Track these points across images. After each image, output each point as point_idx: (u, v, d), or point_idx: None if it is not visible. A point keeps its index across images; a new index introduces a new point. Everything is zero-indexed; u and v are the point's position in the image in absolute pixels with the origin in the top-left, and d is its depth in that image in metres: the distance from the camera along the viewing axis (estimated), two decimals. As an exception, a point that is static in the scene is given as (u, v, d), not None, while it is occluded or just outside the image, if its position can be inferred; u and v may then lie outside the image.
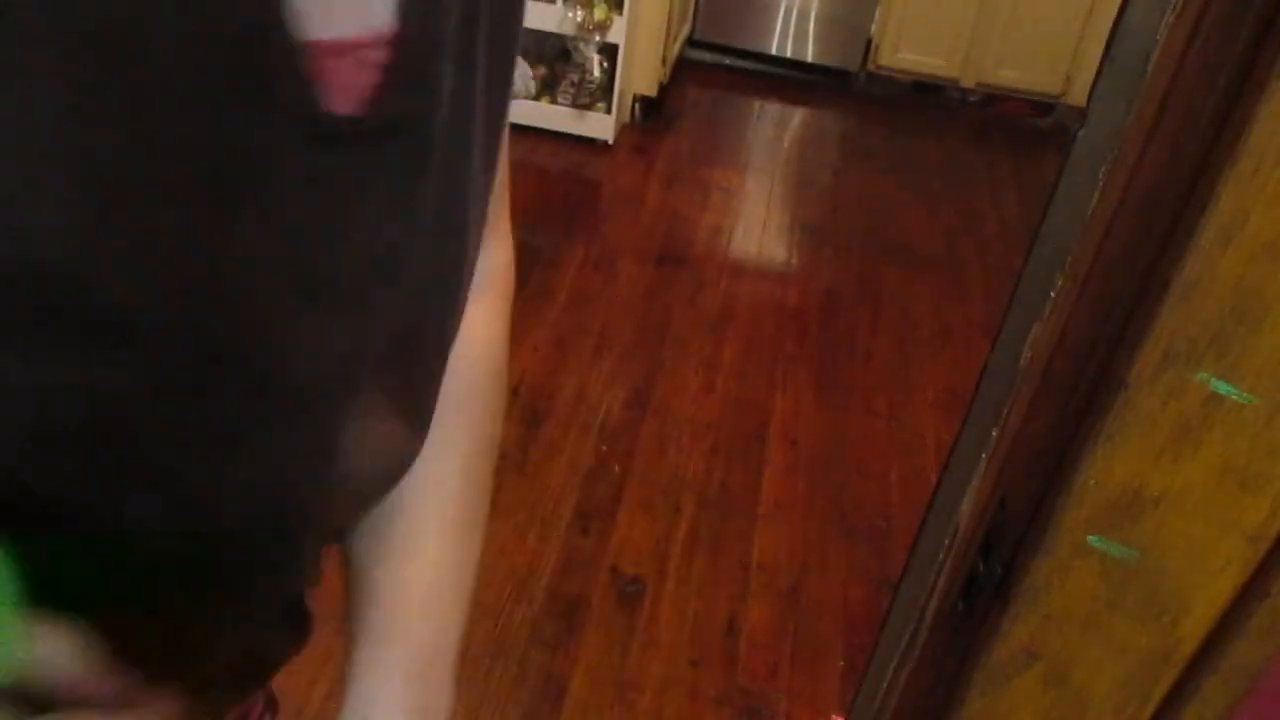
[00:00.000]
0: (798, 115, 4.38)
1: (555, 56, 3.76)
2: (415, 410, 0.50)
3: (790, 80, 4.60)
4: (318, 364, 0.38)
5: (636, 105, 3.94)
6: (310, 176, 0.34)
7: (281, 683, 1.75)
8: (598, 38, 3.50)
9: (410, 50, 0.36)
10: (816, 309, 3.04)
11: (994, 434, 0.88)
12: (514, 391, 2.50)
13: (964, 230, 3.60)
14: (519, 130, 3.72)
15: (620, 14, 3.50)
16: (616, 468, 2.32)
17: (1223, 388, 0.56)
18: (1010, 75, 4.40)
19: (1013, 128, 4.48)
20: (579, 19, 3.46)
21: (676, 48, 4.22)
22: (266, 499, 0.40)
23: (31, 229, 0.27)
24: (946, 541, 0.98)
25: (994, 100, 4.56)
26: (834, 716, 1.84)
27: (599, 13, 3.45)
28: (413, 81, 0.37)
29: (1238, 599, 0.63)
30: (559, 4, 3.48)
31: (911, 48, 4.43)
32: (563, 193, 3.47)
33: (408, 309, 0.43)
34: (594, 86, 3.68)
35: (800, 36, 4.50)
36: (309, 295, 0.36)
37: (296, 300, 0.36)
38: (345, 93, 0.35)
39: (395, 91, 0.36)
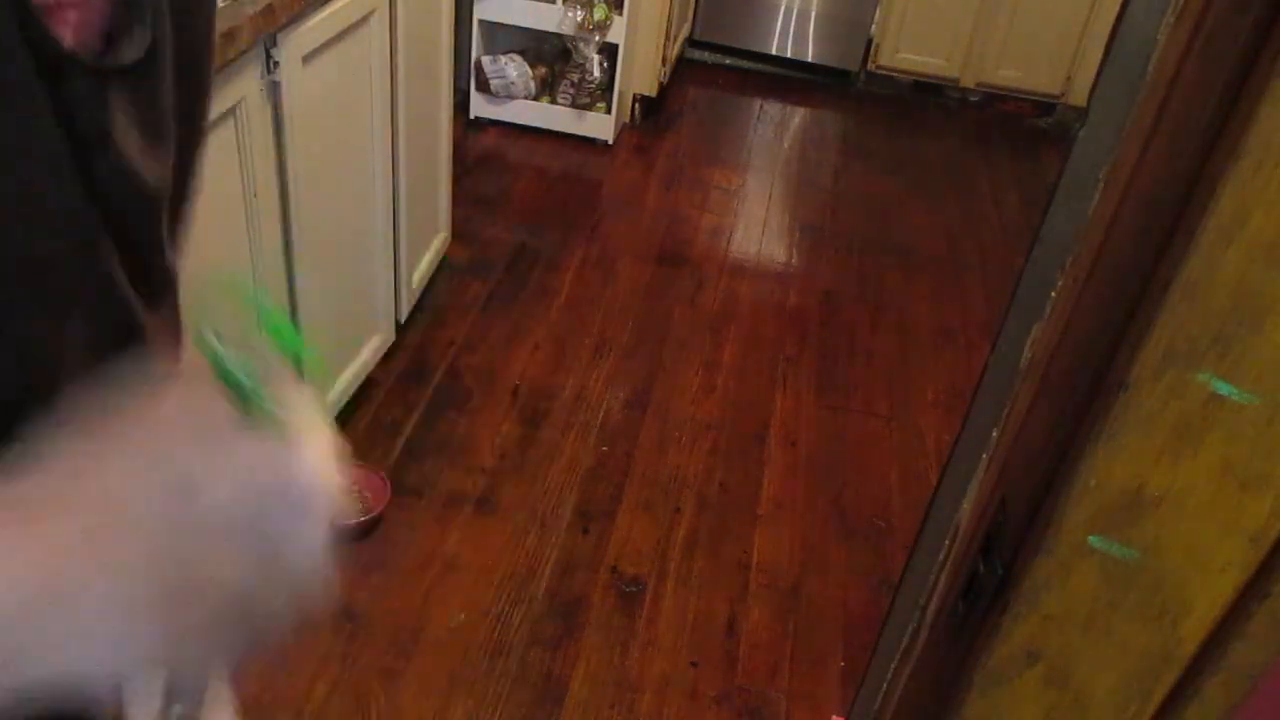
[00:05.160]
0: (798, 115, 4.38)
1: (555, 56, 3.76)
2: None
3: (790, 80, 4.60)
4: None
5: (636, 105, 3.94)
6: (58, 108, 0.40)
7: (281, 683, 1.76)
8: (598, 38, 3.50)
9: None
10: (816, 309, 3.04)
11: (994, 434, 0.88)
12: (514, 392, 2.50)
13: (964, 230, 3.60)
14: (519, 130, 3.72)
15: (620, 14, 3.50)
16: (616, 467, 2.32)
17: (1223, 388, 0.56)
18: (1010, 75, 4.40)
19: (1013, 128, 4.48)
20: (579, 19, 3.46)
21: (676, 48, 4.22)
22: None
23: None
24: (946, 541, 0.98)
25: (994, 100, 4.56)
26: (834, 717, 1.84)
27: (599, 13, 3.45)
28: (132, 22, 0.45)
29: (1239, 599, 0.63)
30: (559, 4, 3.48)
31: (911, 48, 4.43)
32: (563, 193, 3.47)
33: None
34: (594, 86, 3.68)
35: (800, 36, 4.50)
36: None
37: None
38: (84, 32, 0.42)
39: (121, 32, 0.44)
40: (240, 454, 0.39)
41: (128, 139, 0.45)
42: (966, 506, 0.94)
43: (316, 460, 0.41)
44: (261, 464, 0.39)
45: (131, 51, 0.44)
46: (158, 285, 0.51)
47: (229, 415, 0.39)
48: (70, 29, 0.41)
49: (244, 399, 0.39)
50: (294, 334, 0.39)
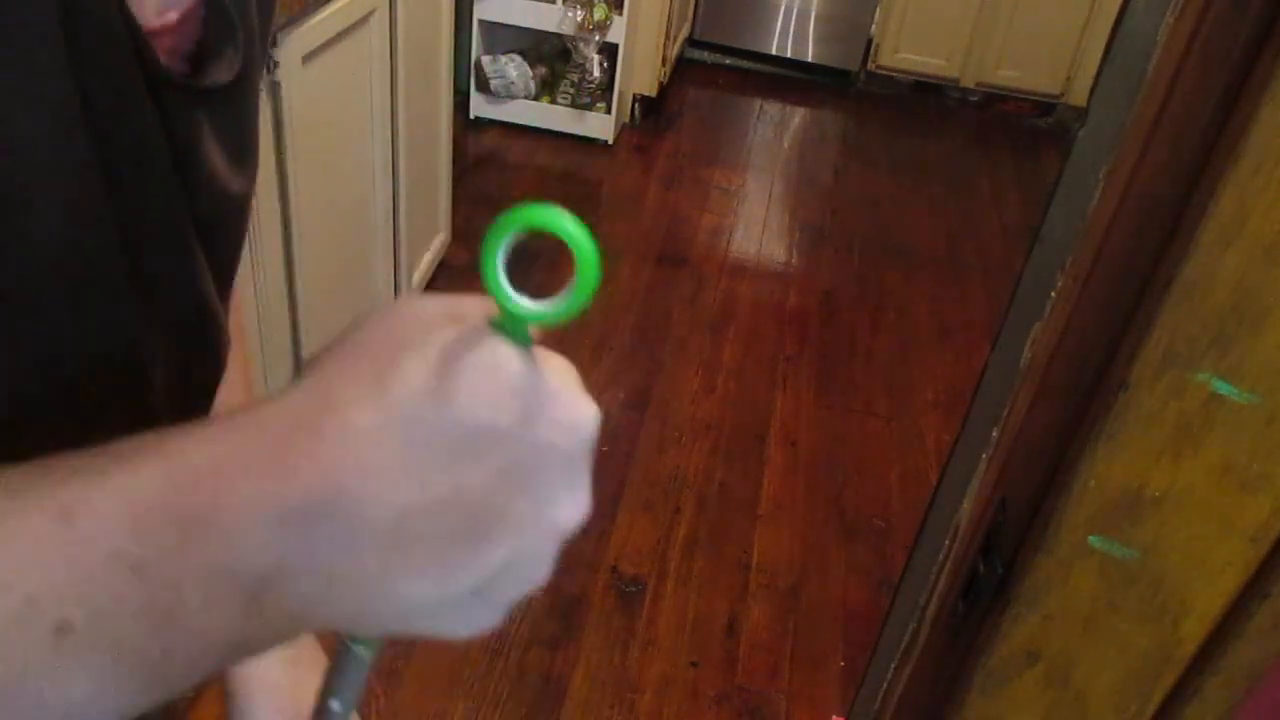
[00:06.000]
0: (798, 115, 4.38)
1: (555, 56, 3.76)
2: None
3: (790, 80, 4.59)
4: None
5: (636, 105, 3.94)
6: (160, 123, 0.42)
7: (281, 683, 1.70)
8: (597, 37, 3.50)
9: (217, 20, 0.46)
10: (816, 309, 3.04)
11: (994, 434, 0.88)
12: (514, 391, 2.50)
13: (964, 230, 3.60)
14: (519, 130, 3.72)
15: (620, 14, 3.50)
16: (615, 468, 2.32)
17: (1223, 388, 0.56)
18: (1010, 75, 4.40)
19: (1013, 128, 4.48)
20: (579, 19, 3.46)
21: (676, 47, 4.22)
22: None
23: None
24: (946, 541, 0.98)
25: (994, 100, 4.56)
26: (834, 717, 1.84)
27: (599, 12, 3.45)
28: (224, 47, 0.47)
29: (1238, 599, 0.63)
30: (559, 4, 3.48)
31: (911, 48, 4.43)
32: (563, 193, 3.47)
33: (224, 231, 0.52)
34: (594, 86, 3.68)
35: (800, 36, 4.50)
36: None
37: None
38: (174, 56, 0.44)
39: (209, 55, 0.46)
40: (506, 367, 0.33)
41: (215, 154, 0.47)
42: (966, 506, 0.94)
43: (581, 394, 0.36)
44: (529, 382, 0.34)
45: (221, 74, 0.46)
46: (226, 278, 0.55)
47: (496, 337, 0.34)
48: (164, 52, 0.43)
49: (520, 336, 0.34)
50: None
